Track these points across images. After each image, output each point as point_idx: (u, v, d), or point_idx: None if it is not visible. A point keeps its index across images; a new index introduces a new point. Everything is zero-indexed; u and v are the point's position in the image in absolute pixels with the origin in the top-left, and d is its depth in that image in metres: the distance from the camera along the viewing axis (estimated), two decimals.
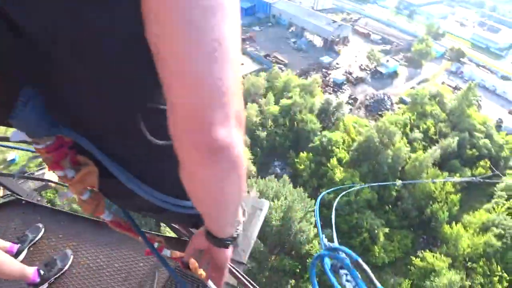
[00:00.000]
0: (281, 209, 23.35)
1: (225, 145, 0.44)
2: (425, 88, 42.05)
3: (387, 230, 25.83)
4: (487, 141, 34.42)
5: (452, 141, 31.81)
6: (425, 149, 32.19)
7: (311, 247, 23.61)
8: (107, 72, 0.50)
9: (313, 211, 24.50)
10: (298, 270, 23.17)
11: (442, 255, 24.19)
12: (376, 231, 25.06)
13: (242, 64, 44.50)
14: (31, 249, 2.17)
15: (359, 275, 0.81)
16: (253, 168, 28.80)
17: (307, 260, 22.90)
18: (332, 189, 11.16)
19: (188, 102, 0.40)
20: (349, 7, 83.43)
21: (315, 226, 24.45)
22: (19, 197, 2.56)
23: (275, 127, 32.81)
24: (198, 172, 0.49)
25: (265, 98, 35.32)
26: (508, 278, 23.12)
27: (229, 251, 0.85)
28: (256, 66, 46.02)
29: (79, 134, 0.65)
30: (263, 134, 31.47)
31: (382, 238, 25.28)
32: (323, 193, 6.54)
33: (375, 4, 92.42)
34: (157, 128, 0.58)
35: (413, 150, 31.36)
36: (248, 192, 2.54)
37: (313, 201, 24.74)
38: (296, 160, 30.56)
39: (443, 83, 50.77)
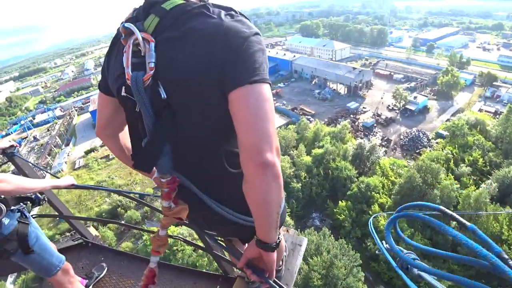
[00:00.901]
0: (323, 266, 21.57)
1: (270, 163, 0.84)
2: (462, 118, 40.37)
3: (449, 283, 22.54)
4: None
5: (508, 171, 29.05)
6: (477, 184, 29.67)
7: None
8: (212, 135, 1.00)
9: (360, 265, 22.61)
10: None
11: None
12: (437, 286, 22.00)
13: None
14: (95, 285, 2.47)
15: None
16: (291, 222, 27.70)
17: None
18: (378, 214, 10.67)
19: (251, 140, 0.85)
20: (366, 53, 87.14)
21: (364, 282, 22.39)
22: (86, 239, 2.95)
23: (309, 178, 32.62)
24: (255, 180, 0.87)
25: (296, 149, 35.94)
26: None
27: (274, 255, 1.11)
28: (285, 120, 48.05)
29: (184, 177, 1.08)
30: (298, 185, 31.17)
31: None
32: (373, 216, 6.44)
33: (391, 46, 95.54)
34: (231, 161, 1.06)
35: (464, 186, 29.13)
36: (287, 231, 2.98)
37: (358, 254, 22.92)
38: (335, 210, 29.18)
39: (480, 110, 48.37)
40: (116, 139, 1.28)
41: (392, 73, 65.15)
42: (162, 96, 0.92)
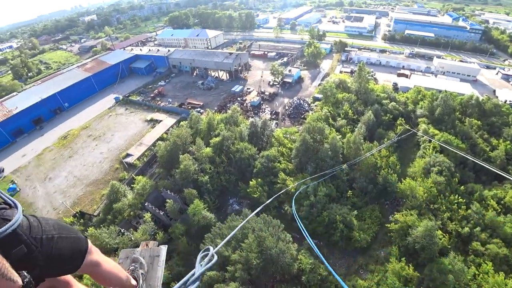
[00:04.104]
0: (254, 244, 22.45)
1: None
2: (329, 81, 46.39)
3: (355, 212, 26.58)
4: (393, 103, 39.18)
5: (369, 115, 35.09)
6: (352, 131, 34.79)
7: (299, 263, 22.90)
8: None
9: (284, 229, 24.28)
10: None
11: (409, 210, 25.90)
12: (348, 219, 25.51)
13: (159, 122, 42.84)
14: None
15: None
16: (210, 216, 27.21)
17: (302, 278, 22.15)
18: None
19: None
20: (239, 37, 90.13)
21: (293, 242, 23.93)
22: None
23: (215, 168, 31.76)
24: None
25: (194, 144, 34.37)
26: (463, 201, 26.30)
27: None
28: (175, 118, 45.06)
29: None
30: (206, 178, 30.03)
31: (355, 222, 25.78)
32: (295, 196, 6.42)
33: (260, 28, 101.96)
34: None
35: (344, 135, 33.54)
36: (147, 245, 2.66)
37: (278, 220, 24.73)
38: (248, 190, 29.60)
39: (341, 71, 57.02)
40: None
41: (266, 52, 69.47)
42: None
